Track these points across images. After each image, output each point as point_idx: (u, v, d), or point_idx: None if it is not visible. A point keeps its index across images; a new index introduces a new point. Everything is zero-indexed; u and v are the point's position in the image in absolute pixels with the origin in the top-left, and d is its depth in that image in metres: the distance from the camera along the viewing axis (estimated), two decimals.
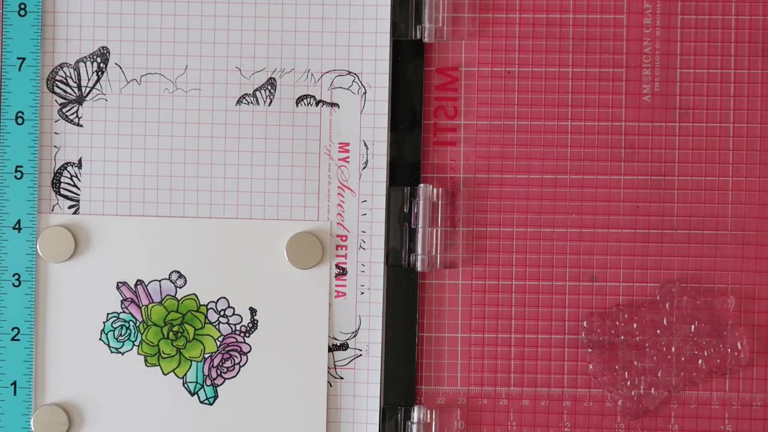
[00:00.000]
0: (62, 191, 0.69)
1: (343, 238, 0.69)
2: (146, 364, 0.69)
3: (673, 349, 0.68)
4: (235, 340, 0.69)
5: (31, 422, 0.68)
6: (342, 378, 0.69)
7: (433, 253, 0.68)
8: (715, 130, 0.68)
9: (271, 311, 0.68)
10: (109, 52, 0.69)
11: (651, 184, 0.68)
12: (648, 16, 0.68)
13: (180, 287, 0.69)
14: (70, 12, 0.69)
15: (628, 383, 0.68)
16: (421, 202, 0.68)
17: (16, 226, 0.68)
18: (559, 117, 0.68)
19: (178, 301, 0.69)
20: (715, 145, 0.68)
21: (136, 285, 0.69)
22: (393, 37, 0.68)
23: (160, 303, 0.69)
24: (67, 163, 0.69)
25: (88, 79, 0.69)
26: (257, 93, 0.69)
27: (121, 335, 0.69)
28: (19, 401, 0.68)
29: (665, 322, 0.68)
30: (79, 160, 0.69)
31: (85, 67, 0.69)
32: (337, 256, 0.69)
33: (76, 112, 0.69)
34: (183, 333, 0.69)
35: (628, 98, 0.68)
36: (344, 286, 0.69)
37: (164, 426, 0.68)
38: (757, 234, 0.68)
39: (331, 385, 0.69)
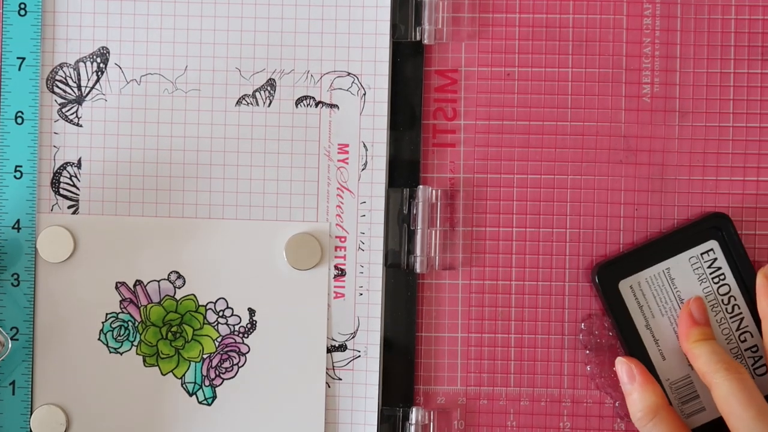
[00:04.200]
0: (62, 191, 0.69)
1: (342, 239, 0.69)
2: (145, 365, 0.69)
3: None
4: (233, 341, 0.69)
5: (30, 422, 0.68)
6: (340, 379, 0.69)
7: (432, 255, 0.68)
8: (714, 131, 0.68)
9: (269, 312, 0.68)
10: (108, 53, 0.69)
11: (651, 184, 0.68)
12: (648, 17, 0.68)
13: (179, 288, 0.69)
14: (70, 12, 0.69)
15: None
16: (420, 203, 0.68)
17: (16, 226, 0.68)
18: (558, 118, 0.68)
19: (177, 301, 0.69)
20: (715, 145, 0.68)
21: (135, 285, 0.69)
22: (393, 38, 0.68)
23: (159, 303, 0.69)
24: (66, 163, 0.69)
25: (88, 79, 0.69)
26: (257, 94, 0.69)
27: (119, 335, 0.69)
28: (17, 401, 0.68)
29: None
30: (79, 160, 0.69)
31: (85, 67, 0.69)
32: (336, 257, 0.69)
33: (76, 112, 0.69)
34: (182, 333, 0.69)
35: (627, 99, 0.68)
36: (343, 287, 0.68)
37: (162, 426, 0.68)
38: (755, 235, 0.68)
39: (329, 386, 0.68)
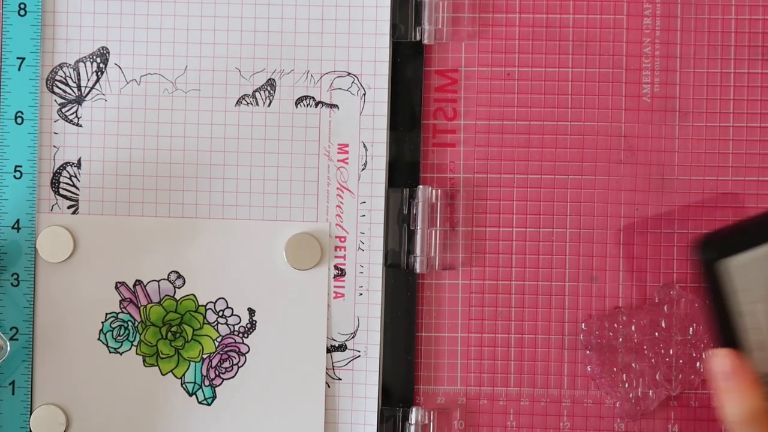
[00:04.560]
0: (61, 191, 0.69)
1: (342, 239, 0.68)
2: (144, 365, 0.69)
3: (671, 352, 0.68)
4: (233, 341, 0.69)
5: (30, 421, 0.68)
6: (340, 379, 0.68)
7: (432, 255, 0.68)
8: (714, 131, 0.68)
9: (269, 312, 0.68)
10: (108, 53, 0.69)
11: (651, 184, 0.68)
12: (648, 17, 0.68)
13: (179, 288, 0.69)
14: (70, 12, 0.69)
15: (626, 385, 0.68)
16: (420, 203, 0.68)
17: (15, 226, 0.68)
18: (558, 118, 0.68)
19: (177, 301, 0.69)
20: (715, 145, 0.68)
21: (134, 285, 0.69)
22: (393, 38, 0.68)
23: (159, 303, 0.69)
24: (66, 163, 0.69)
25: (88, 80, 0.69)
26: (257, 94, 0.69)
27: (119, 335, 0.69)
28: (17, 401, 0.68)
29: (663, 325, 0.68)
30: (79, 160, 0.69)
31: (85, 67, 0.69)
32: (335, 257, 0.69)
33: (76, 112, 0.69)
34: (181, 333, 0.69)
35: (627, 99, 0.68)
36: (343, 287, 0.68)
37: (162, 426, 0.68)
38: None
39: (329, 386, 0.68)
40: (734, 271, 0.58)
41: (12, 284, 0.68)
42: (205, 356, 0.69)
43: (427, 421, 0.68)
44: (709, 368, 0.59)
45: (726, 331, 0.59)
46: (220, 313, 0.69)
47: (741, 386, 0.57)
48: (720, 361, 0.58)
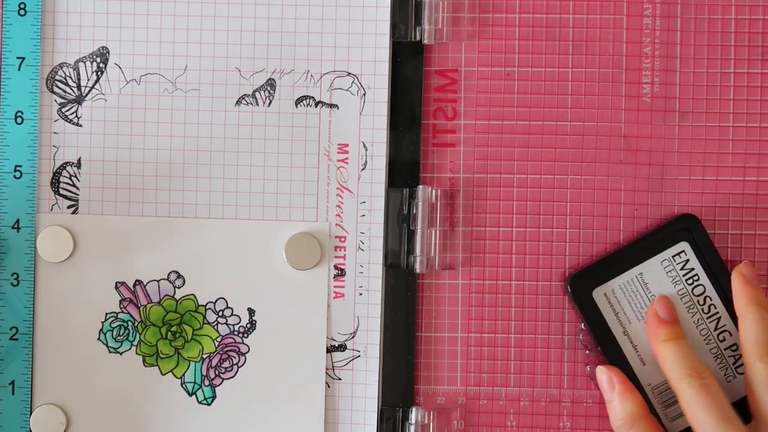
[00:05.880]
0: (61, 191, 0.69)
1: (342, 239, 0.68)
2: (144, 364, 0.69)
3: None
4: (233, 341, 0.69)
5: (30, 421, 0.68)
6: (340, 379, 0.68)
7: (432, 255, 0.68)
8: (714, 131, 0.68)
9: (269, 312, 0.68)
10: (108, 52, 0.69)
11: (651, 184, 0.68)
12: (648, 17, 0.68)
13: (179, 287, 0.69)
14: (70, 12, 0.69)
15: None
16: (419, 203, 0.68)
17: (15, 226, 0.68)
18: (558, 118, 0.68)
19: (177, 301, 0.69)
20: (715, 145, 0.68)
21: (134, 285, 0.69)
22: (393, 38, 0.68)
23: (159, 303, 0.69)
24: (66, 163, 0.69)
25: (88, 79, 0.69)
26: (256, 94, 0.69)
27: (119, 335, 0.69)
28: (17, 401, 0.68)
29: None
30: (78, 160, 0.69)
31: (85, 67, 0.69)
32: (335, 257, 0.69)
33: (76, 111, 0.69)
34: (181, 333, 0.69)
35: (627, 99, 0.68)
36: (343, 287, 0.68)
37: (162, 426, 0.68)
38: (755, 235, 0.68)
39: (329, 386, 0.68)
40: (606, 298, 0.67)
41: (12, 284, 0.68)
42: (205, 356, 0.69)
43: (427, 421, 0.68)
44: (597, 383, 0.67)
45: (612, 352, 0.67)
46: (220, 313, 0.69)
47: (621, 395, 0.65)
48: (602, 375, 0.66)
